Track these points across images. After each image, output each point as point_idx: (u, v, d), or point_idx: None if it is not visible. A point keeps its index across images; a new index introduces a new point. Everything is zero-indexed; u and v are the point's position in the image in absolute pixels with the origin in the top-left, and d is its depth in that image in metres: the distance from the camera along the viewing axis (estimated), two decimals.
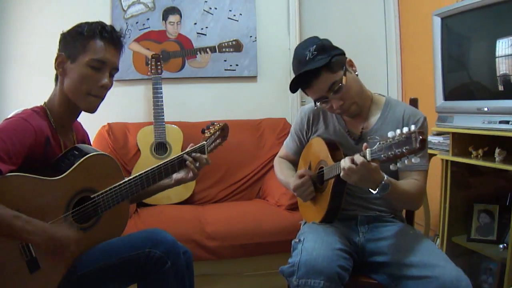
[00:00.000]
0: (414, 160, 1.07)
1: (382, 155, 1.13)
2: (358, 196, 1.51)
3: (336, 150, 1.44)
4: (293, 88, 1.44)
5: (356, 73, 1.46)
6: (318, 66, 1.35)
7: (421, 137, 1.03)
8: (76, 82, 1.29)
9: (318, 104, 1.46)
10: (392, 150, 1.09)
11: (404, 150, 1.06)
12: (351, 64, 1.45)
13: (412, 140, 1.04)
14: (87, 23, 1.31)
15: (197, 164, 1.49)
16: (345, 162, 1.22)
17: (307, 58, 1.38)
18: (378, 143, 1.15)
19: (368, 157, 1.18)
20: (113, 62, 1.33)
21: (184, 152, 1.49)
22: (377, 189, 1.25)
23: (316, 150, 1.53)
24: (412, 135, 1.05)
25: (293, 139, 1.68)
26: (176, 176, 1.51)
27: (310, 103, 1.63)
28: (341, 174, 1.25)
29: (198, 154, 1.49)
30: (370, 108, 1.51)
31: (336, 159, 1.37)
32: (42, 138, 1.23)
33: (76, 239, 1.20)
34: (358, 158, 1.21)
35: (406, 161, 1.09)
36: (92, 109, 1.34)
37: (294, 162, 1.71)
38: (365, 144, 1.22)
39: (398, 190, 1.33)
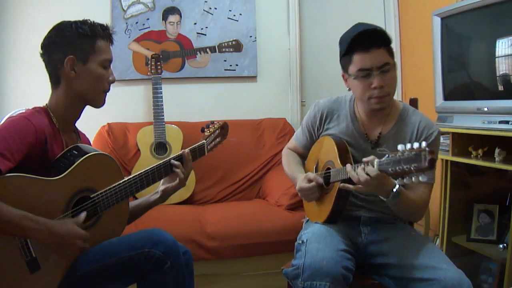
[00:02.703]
0: (421, 178, 1.06)
1: (390, 169, 1.12)
2: (361, 198, 1.50)
3: (345, 153, 1.43)
4: (351, 44, 1.37)
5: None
6: (386, 37, 1.37)
7: (430, 156, 1.02)
8: (93, 82, 1.33)
9: (356, 74, 1.39)
10: (400, 165, 1.08)
11: (412, 168, 1.05)
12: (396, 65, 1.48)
13: (422, 158, 1.03)
14: (77, 23, 1.33)
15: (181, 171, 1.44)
16: (357, 173, 1.22)
17: (375, 28, 1.38)
18: (387, 155, 1.14)
19: (376, 167, 1.18)
20: (112, 57, 1.39)
21: (183, 150, 1.48)
22: (389, 197, 1.25)
23: (325, 150, 1.52)
24: (422, 152, 1.03)
25: (303, 132, 1.66)
26: (162, 186, 1.48)
27: (325, 98, 1.61)
28: (354, 184, 1.25)
29: (178, 163, 1.43)
30: (389, 113, 1.50)
31: (345, 162, 1.36)
32: (43, 137, 1.24)
33: (81, 234, 1.20)
34: (370, 169, 1.20)
35: (413, 178, 1.08)
36: (103, 104, 1.39)
37: (302, 155, 1.69)
38: (364, 159, 1.22)
39: (407, 200, 1.33)
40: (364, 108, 1.50)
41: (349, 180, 1.28)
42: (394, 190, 1.24)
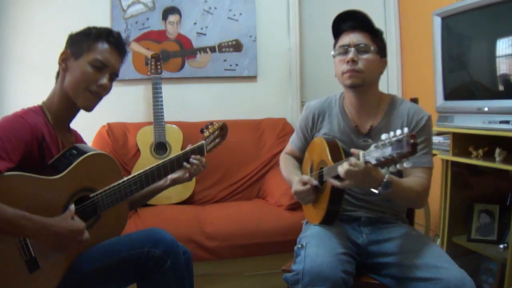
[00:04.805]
0: (406, 164, 1.05)
1: (375, 159, 1.11)
2: (361, 198, 1.50)
3: (336, 151, 1.43)
4: (337, 21, 1.51)
5: (381, 72, 1.51)
6: (371, 23, 1.49)
7: (412, 140, 1.01)
8: (76, 78, 1.32)
9: (337, 51, 1.49)
10: (384, 154, 1.07)
11: (395, 155, 1.04)
12: (385, 62, 1.52)
13: (403, 143, 1.02)
14: (96, 27, 1.36)
15: (195, 167, 1.49)
16: (343, 167, 1.21)
17: (363, 13, 1.49)
18: (371, 146, 1.13)
19: (362, 159, 1.17)
20: (114, 66, 1.37)
21: (183, 151, 1.49)
22: (380, 188, 1.24)
23: (318, 149, 1.53)
24: (403, 138, 1.02)
25: (298, 135, 1.67)
26: (172, 176, 1.51)
27: (316, 99, 1.63)
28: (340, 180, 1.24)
29: (198, 157, 1.50)
30: (378, 106, 1.51)
31: (336, 160, 1.36)
32: (39, 135, 1.24)
33: (80, 229, 1.19)
34: (354, 161, 1.19)
35: (398, 166, 1.06)
36: (88, 107, 1.36)
37: (299, 159, 1.70)
38: (352, 150, 1.21)
39: (401, 187, 1.32)
40: (349, 97, 1.53)
41: (340, 177, 1.26)
42: (384, 180, 1.22)
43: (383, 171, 1.18)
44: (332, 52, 1.52)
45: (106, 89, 1.36)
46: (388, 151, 1.06)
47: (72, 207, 1.22)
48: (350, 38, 1.46)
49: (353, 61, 1.43)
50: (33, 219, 1.11)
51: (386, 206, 1.50)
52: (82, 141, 1.51)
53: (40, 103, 1.35)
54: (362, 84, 1.46)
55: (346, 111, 1.55)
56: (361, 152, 1.17)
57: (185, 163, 1.47)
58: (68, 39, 1.37)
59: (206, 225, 2.24)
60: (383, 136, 1.09)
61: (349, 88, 1.48)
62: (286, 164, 1.70)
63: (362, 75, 1.44)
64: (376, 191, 1.25)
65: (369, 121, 1.51)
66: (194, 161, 1.49)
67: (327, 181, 1.39)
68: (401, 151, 1.03)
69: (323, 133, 1.56)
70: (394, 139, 1.05)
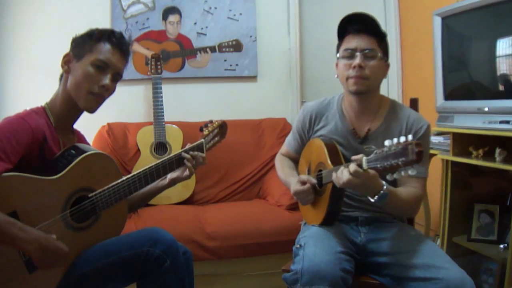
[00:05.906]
0: (410, 172, 1.05)
1: (378, 165, 1.10)
2: (356, 199, 1.50)
3: (335, 153, 1.43)
4: (343, 24, 1.48)
5: (385, 76, 1.49)
6: (378, 27, 1.44)
7: (417, 149, 1.00)
8: (78, 80, 1.31)
9: (342, 54, 1.46)
10: (388, 161, 1.07)
11: (399, 162, 1.04)
12: (388, 65, 1.50)
13: (409, 151, 1.02)
14: (98, 28, 1.36)
15: (194, 162, 1.48)
16: (343, 174, 1.20)
17: (371, 17, 1.46)
18: (374, 152, 1.13)
19: (365, 166, 1.16)
20: (117, 66, 1.36)
21: (182, 150, 1.49)
22: (376, 198, 1.24)
23: (316, 151, 1.52)
24: (408, 146, 1.02)
25: (294, 137, 1.66)
26: (171, 175, 1.49)
27: (313, 101, 1.63)
28: (339, 184, 1.23)
29: (196, 152, 1.49)
30: (378, 110, 1.50)
31: (335, 163, 1.36)
32: (40, 137, 1.24)
33: (65, 251, 1.18)
34: (353, 167, 1.18)
35: (402, 173, 1.06)
36: (91, 108, 1.35)
37: (295, 160, 1.69)
38: (361, 155, 1.20)
39: (396, 199, 1.32)
40: (350, 100, 1.52)
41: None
42: (382, 191, 1.23)
43: (384, 181, 1.17)
44: (337, 55, 1.49)
45: (108, 90, 1.34)
46: (392, 158, 1.06)
47: (54, 236, 1.19)
48: (357, 42, 1.42)
49: (360, 67, 1.40)
50: (25, 229, 1.10)
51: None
52: (84, 142, 1.51)
53: (43, 104, 1.35)
54: (367, 91, 1.45)
55: (345, 113, 1.54)
56: (364, 158, 1.17)
57: (185, 160, 1.46)
58: (71, 42, 1.36)
59: (206, 225, 2.24)
60: (387, 143, 1.09)
61: (353, 94, 1.47)
62: (282, 166, 1.69)
63: (367, 82, 1.43)
64: (372, 200, 1.25)
65: (367, 124, 1.50)
66: (192, 156, 1.47)
67: (326, 183, 1.39)
68: (406, 159, 1.02)
69: (320, 135, 1.55)
70: (399, 147, 1.04)
